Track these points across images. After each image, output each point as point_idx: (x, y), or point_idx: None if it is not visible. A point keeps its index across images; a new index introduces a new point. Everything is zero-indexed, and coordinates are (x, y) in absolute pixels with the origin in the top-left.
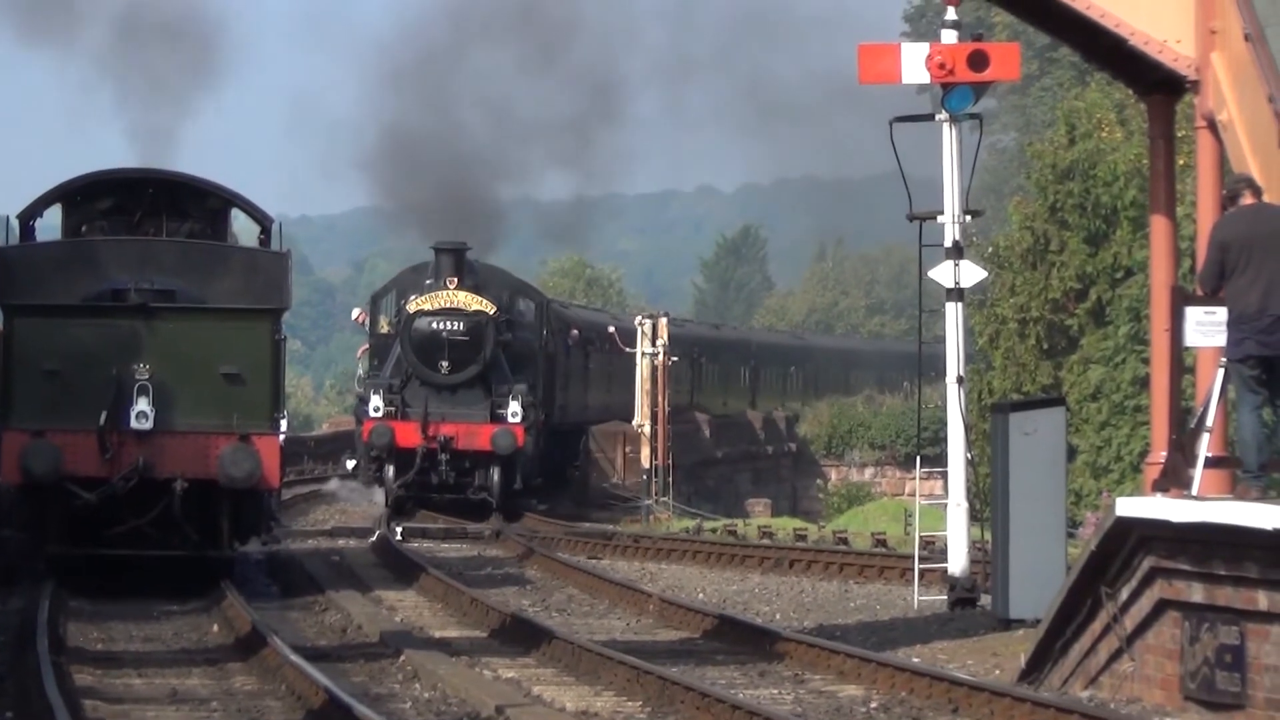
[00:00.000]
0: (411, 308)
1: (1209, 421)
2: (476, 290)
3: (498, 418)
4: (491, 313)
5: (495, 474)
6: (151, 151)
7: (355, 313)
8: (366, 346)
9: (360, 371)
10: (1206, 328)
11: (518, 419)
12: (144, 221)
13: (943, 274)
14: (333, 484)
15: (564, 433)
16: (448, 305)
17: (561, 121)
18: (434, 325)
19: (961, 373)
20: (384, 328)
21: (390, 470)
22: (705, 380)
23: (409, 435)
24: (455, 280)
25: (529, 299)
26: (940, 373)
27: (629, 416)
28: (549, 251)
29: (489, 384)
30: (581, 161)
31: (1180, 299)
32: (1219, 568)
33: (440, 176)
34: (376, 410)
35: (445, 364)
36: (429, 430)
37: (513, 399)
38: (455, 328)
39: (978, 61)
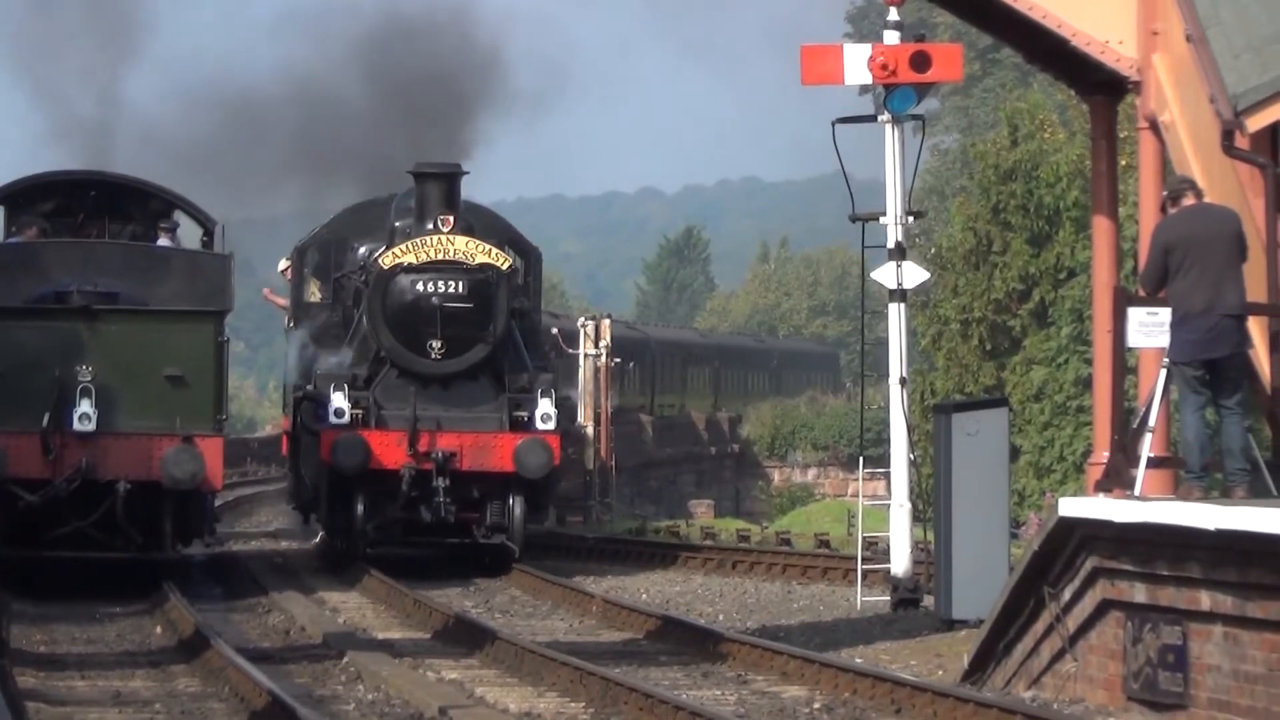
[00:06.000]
0: (386, 261)
1: (1151, 422)
2: (471, 234)
3: (518, 423)
4: (504, 266)
5: (517, 506)
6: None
7: (282, 264)
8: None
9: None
10: (1149, 328)
11: (550, 424)
12: (87, 223)
13: (885, 275)
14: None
15: None
16: (441, 256)
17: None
18: (422, 287)
19: (904, 374)
20: (314, 294)
21: (360, 505)
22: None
23: (390, 451)
24: (450, 220)
25: (521, 253)
26: (821, 369)
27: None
28: None
29: (501, 374)
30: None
31: (1123, 300)
32: (1162, 568)
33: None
34: (340, 415)
35: (438, 344)
36: (419, 444)
37: (542, 395)
38: (454, 290)
39: (920, 62)
